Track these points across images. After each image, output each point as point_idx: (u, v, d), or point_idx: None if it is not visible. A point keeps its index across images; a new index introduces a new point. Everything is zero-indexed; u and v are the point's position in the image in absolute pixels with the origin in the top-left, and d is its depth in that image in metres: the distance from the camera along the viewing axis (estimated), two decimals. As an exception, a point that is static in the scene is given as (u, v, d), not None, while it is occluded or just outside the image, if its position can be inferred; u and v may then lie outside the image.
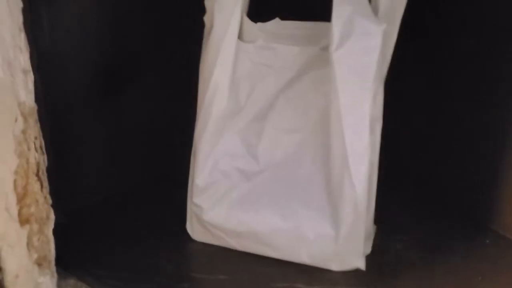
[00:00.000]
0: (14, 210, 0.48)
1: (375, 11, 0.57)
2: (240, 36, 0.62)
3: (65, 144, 0.69)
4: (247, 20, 0.61)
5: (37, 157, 0.50)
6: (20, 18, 0.46)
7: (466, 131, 0.74)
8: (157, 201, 0.77)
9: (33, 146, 0.49)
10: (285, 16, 0.61)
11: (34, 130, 0.49)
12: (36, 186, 0.50)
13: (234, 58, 0.60)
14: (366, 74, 0.55)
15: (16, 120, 0.47)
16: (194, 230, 0.67)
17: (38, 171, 0.50)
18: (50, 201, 0.53)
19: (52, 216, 0.53)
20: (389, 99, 0.59)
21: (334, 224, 0.60)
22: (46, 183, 0.52)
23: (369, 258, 0.65)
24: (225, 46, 0.59)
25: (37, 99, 0.49)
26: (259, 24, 0.62)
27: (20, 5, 0.47)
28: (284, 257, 0.63)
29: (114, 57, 0.73)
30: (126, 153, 0.79)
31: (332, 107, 0.57)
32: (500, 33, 0.67)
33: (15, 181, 0.47)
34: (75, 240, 0.66)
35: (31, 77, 0.48)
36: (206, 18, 0.60)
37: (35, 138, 0.49)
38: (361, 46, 0.54)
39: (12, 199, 0.48)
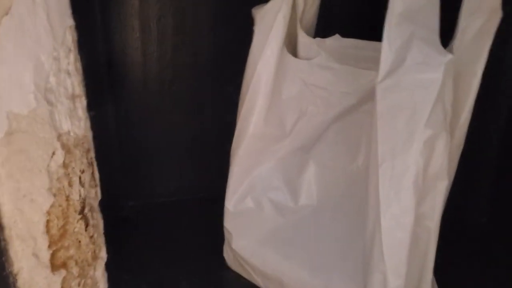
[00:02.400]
0: (45, 254, 0.42)
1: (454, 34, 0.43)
2: (296, 53, 0.54)
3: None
4: (302, 35, 0.53)
5: (83, 193, 0.43)
6: (67, 37, 0.40)
7: None
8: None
9: (78, 180, 0.43)
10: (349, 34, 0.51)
11: (81, 162, 0.43)
12: (78, 225, 0.44)
13: (278, 73, 0.52)
14: (417, 114, 0.42)
15: (53, 154, 0.40)
16: (228, 256, 0.62)
17: (83, 208, 0.44)
18: (101, 239, 0.47)
19: (103, 255, 0.48)
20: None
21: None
22: (94, 220, 0.46)
23: None
24: (265, 58, 0.51)
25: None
26: (318, 39, 0.52)
27: (69, 23, 0.40)
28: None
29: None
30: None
31: (372, 153, 0.45)
32: None
33: (47, 222, 0.41)
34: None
35: (82, 102, 0.42)
36: (254, 27, 0.54)
37: (82, 171, 0.43)
38: (414, 79, 0.41)
39: (43, 242, 0.41)
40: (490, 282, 0.61)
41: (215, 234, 0.62)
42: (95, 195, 0.46)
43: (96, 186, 0.46)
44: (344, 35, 0.51)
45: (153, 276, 0.61)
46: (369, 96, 0.50)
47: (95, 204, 0.46)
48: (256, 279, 0.58)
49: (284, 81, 0.53)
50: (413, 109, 0.42)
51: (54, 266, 0.42)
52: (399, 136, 0.43)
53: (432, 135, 0.42)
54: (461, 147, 0.47)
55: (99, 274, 0.48)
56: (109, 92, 0.69)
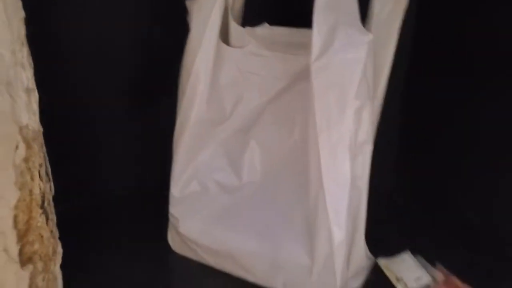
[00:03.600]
0: (14, 250, 0.42)
1: (369, 19, 0.50)
2: (227, 42, 0.58)
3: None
4: (234, 25, 0.57)
5: (42, 187, 0.44)
6: (22, 30, 0.40)
7: (494, 178, 0.65)
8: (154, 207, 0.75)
9: (38, 174, 0.43)
10: (276, 22, 0.57)
11: (39, 156, 0.43)
12: (40, 219, 0.44)
13: (215, 62, 0.56)
14: (347, 88, 0.49)
15: (17, 148, 0.40)
16: (174, 241, 0.65)
17: (43, 202, 0.44)
18: (57, 234, 0.47)
19: (60, 250, 0.48)
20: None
21: (310, 254, 0.54)
22: (52, 214, 0.46)
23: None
24: (204, 48, 0.55)
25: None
26: (248, 28, 0.57)
27: (21, 14, 0.40)
28: (259, 281, 0.58)
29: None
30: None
31: (310, 126, 0.51)
32: None
33: (15, 217, 0.41)
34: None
35: (35, 96, 0.42)
36: (188, 20, 0.57)
37: (40, 165, 0.43)
38: (342, 58, 0.48)
39: (12, 238, 0.41)
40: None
41: (162, 222, 0.65)
42: (49, 189, 0.46)
43: (49, 180, 0.46)
44: (271, 23, 0.56)
45: (102, 267, 0.62)
46: (299, 78, 0.56)
47: (51, 198, 0.47)
48: (206, 258, 0.61)
49: (221, 69, 0.57)
50: (343, 85, 0.49)
51: (22, 261, 0.42)
52: (333, 109, 0.49)
53: (360, 106, 0.50)
54: (379, 115, 0.55)
55: (58, 269, 0.49)
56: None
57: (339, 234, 0.52)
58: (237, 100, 0.59)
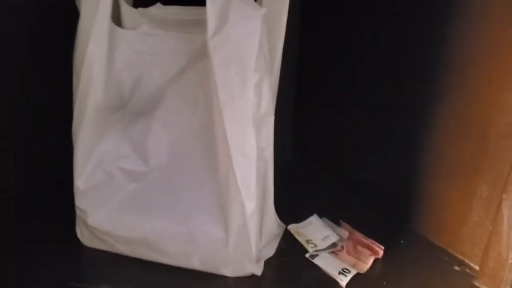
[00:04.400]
0: None
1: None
2: (120, 24, 0.57)
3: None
4: (125, 6, 0.56)
5: None
6: None
7: (378, 132, 0.71)
8: (55, 204, 0.71)
9: None
10: (169, 1, 0.56)
11: None
12: None
13: (109, 45, 0.54)
14: (245, 62, 0.50)
15: None
16: (83, 234, 0.62)
17: None
18: None
19: None
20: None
21: (224, 227, 0.55)
22: None
23: (271, 262, 0.61)
24: (96, 32, 0.53)
25: None
26: (140, 9, 0.56)
27: None
28: (176, 263, 0.59)
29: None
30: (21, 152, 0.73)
31: (213, 102, 0.52)
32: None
33: None
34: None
35: None
36: (77, 3, 0.54)
37: None
38: (238, 32, 0.49)
39: None
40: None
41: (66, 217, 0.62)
42: None
43: None
44: (165, 3, 0.56)
45: (5, 273, 0.58)
46: (197, 56, 0.56)
47: None
48: (119, 248, 0.60)
49: (115, 52, 0.55)
50: (241, 59, 0.50)
51: None
52: (234, 83, 0.50)
53: (259, 79, 0.51)
54: (277, 87, 0.58)
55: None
56: None
57: (250, 205, 0.54)
58: (136, 83, 0.57)
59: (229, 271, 0.58)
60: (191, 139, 0.57)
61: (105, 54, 0.54)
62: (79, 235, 0.63)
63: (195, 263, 0.58)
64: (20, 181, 0.73)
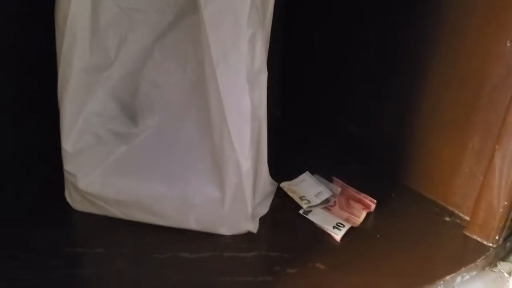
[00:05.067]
0: None
1: None
2: (102, -22, 0.54)
3: None
4: (106, -42, 0.52)
5: None
6: None
7: (374, 90, 0.70)
8: (38, 168, 0.69)
9: None
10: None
11: None
12: None
13: (92, 1, 0.51)
14: (238, 15, 0.48)
15: None
16: (73, 199, 0.61)
17: None
18: None
19: None
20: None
21: (220, 187, 0.55)
22: None
23: (266, 219, 0.61)
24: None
25: None
26: (123, -38, 0.53)
27: None
28: (171, 224, 0.58)
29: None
30: None
31: (205, 59, 0.50)
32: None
33: None
34: None
35: None
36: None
37: None
38: (230, -15, 0.47)
39: None
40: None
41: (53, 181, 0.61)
42: None
43: None
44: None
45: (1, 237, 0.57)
46: (185, 11, 0.54)
47: None
48: (111, 210, 0.59)
49: (99, 9, 0.53)
50: (234, 13, 0.48)
51: None
52: (227, 39, 0.49)
53: (252, 33, 0.49)
54: (268, 42, 0.56)
55: None
56: None
57: (245, 163, 0.53)
58: (121, 41, 0.55)
59: (225, 230, 0.58)
60: (181, 99, 0.56)
61: (89, 11, 0.51)
62: (68, 200, 0.61)
63: (191, 224, 0.57)
64: (6, 146, 0.70)
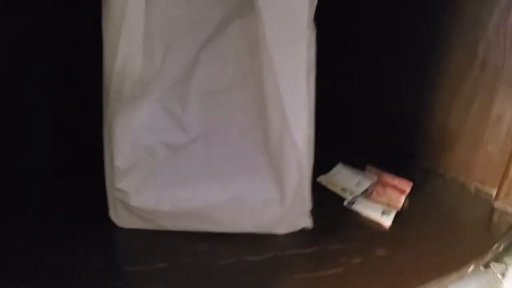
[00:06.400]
0: None
1: None
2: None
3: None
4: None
5: None
6: None
7: (391, 73, 0.73)
8: (74, 187, 0.66)
9: None
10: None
11: None
12: None
13: (145, 12, 0.50)
14: (298, 15, 0.49)
15: None
16: (120, 216, 0.59)
17: None
18: None
19: None
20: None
21: (279, 187, 0.55)
22: None
23: (313, 214, 0.62)
24: (133, 1, 0.48)
25: None
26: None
27: None
28: (227, 230, 0.58)
29: None
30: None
31: (263, 60, 0.50)
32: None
33: None
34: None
35: None
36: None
37: None
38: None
39: None
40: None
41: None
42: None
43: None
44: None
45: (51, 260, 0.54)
46: (232, 16, 0.53)
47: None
48: (162, 224, 0.58)
49: (149, 20, 0.51)
50: (294, 11, 0.48)
51: None
52: (287, 38, 0.49)
53: (309, 34, 0.50)
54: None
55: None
56: None
57: (305, 161, 0.54)
58: (167, 50, 0.54)
59: (281, 229, 0.58)
60: (231, 103, 0.55)
61: (142, 24, 0.50)
62: (114, 218, 0.59)
63: (249, 227, 0.58)
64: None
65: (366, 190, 0.66)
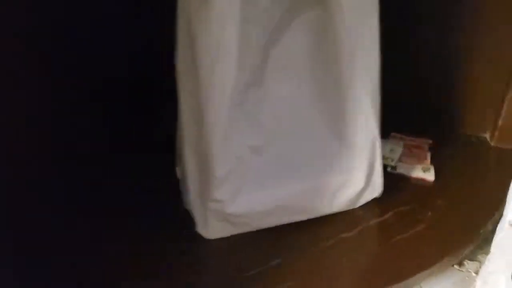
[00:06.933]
0: None
1: None
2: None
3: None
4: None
5: None
6: None
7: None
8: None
9: None
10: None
11: None
12: None
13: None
14: (372, 8, 0.53)
15: None
16: (210, 228, 0.58)
17: None
18: None
19: None
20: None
21: (357, 166, 0.60)
22: None
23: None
24: (232, 12, 0.49)
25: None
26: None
27: None
28: (312, 215, 0.61)
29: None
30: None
31: (339, 49, 0.54)
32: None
33: None
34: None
35: None
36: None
37: None
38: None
39: None
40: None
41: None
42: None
43: None
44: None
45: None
46: (293, 12, 0.56)
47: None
48: (254, 225, 0.59)
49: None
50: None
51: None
52: (363, 27, 0.54)
53: (377, 24, 0.55)
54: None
55: None
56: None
57: (378, 138, 0.60)
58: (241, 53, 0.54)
59: (359, 203, 0.63)
60: (301, 97, 0.58)
61: (236, 36, 0.50)
62: (201, 231, 0.59)
63: (333, 208, 0.61)
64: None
65: (400, 155, 0.74)
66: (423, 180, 0.70)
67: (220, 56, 0.50)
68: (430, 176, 0.70)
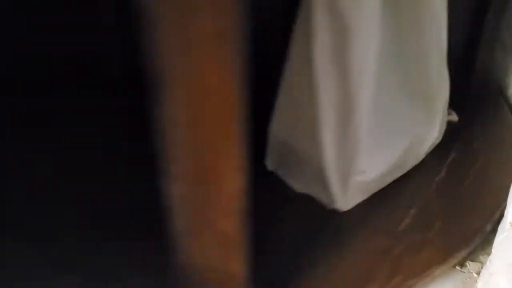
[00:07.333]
0: None
1: None
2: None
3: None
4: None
5: None
6: None
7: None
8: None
9: None
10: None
11: None
12: None
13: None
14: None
15: None
16: (350, 199, 0.65)
17: None
18: None
19: None
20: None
21: (437, 118, 0.71)
22: None
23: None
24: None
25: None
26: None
27: None
28: (409, 168, 0.71)
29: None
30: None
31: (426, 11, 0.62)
32: None
33: None
34: None
35: None
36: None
37: None
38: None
39: None
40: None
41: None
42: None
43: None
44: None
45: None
46: None
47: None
48: (378, 186, 0.67)
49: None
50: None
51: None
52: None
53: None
54: None
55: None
56: None
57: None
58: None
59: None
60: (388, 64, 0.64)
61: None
62: (340, 204, 0.65)
63: (419, 159, 0.72)
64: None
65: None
66: (450, 122, 0.82)
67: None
68: (455, 117, 0.81)
